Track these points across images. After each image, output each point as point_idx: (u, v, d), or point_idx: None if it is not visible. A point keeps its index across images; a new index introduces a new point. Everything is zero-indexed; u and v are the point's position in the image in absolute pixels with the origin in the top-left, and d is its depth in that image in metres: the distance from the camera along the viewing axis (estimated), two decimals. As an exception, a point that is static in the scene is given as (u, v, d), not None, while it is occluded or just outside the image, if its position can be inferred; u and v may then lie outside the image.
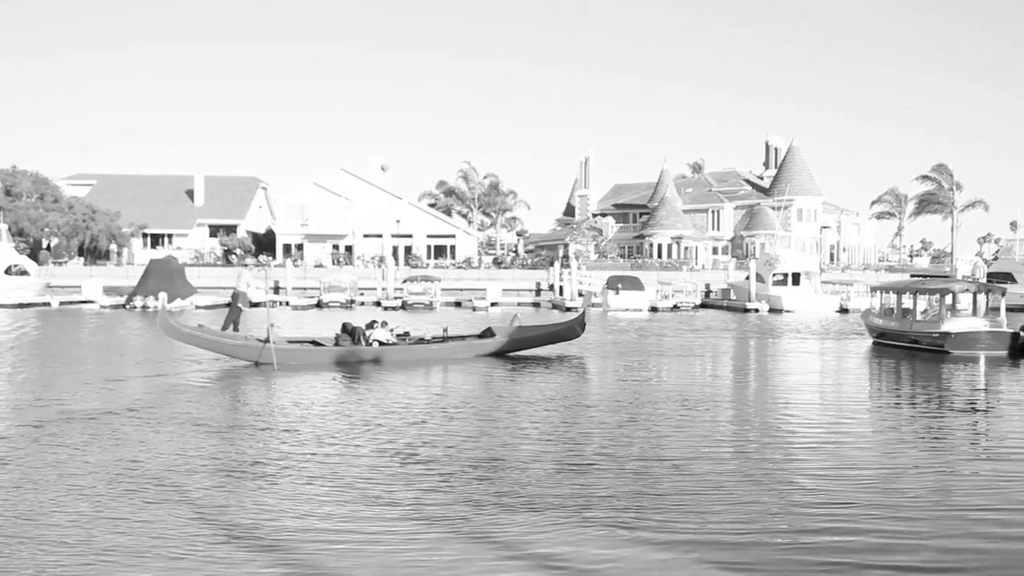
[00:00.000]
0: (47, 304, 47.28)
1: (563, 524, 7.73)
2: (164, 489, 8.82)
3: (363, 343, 20.29)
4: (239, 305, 24.60)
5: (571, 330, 23.17)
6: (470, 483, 9.12)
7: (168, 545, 7.13)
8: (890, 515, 8.06)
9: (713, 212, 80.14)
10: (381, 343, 20.49)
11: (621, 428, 12.28)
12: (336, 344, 20.26)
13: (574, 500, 8.49)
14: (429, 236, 74.00)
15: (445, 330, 22.78)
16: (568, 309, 49.18)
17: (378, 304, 50.71)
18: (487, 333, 22.28)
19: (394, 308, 47.66)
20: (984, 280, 47.69)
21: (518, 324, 22.89)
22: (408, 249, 72.35)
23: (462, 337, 22.89)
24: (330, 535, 7.42)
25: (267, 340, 19.01)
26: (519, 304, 53.76)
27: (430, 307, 48.38)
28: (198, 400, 14.91)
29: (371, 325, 21.13)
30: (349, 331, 20.59)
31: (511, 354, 21.77)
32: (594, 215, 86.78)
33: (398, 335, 21.43)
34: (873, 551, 7.09)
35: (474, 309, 48.31)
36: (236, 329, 23.26)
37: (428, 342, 21.57)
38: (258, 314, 27.80)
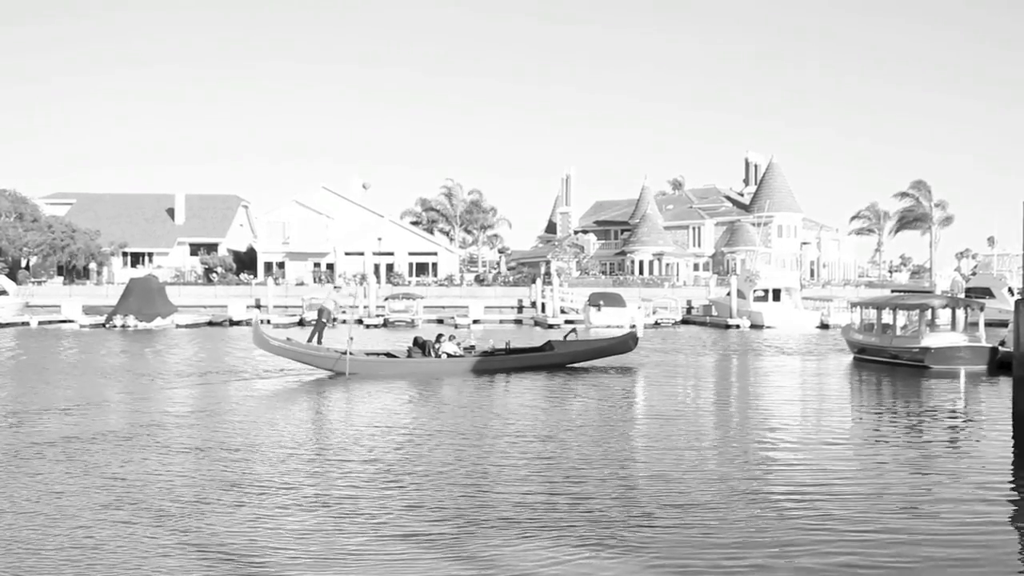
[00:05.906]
0: (26, 324, 46.91)
1: (551, 543, 7.73)
2: (180, 506, 8.77)
3: (433, 356, 21.82)
4: (323, 320, 26.16)
5: (624, 344, 24.94)
6: (465, 500, 9.11)
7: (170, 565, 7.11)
8: (873, 533, 8.11)
9: (694, 229, 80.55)
10: (450, 355, 22.02)
11: (609, 446, 12.31)
12: (409, 356, 21.86)
13: (561, 518, 8.49)
14: (411, 254, 73.90)
15: (508, 344, 24.09)
16: (551, 326, 49.21)
17: (360, 322, 50.60)
18: (547, 347, 23.89)
19: (376, 326, 47.49)
20: (962, 295, 48.11)
21: (574, 338, 25.01)
22: (390, 267, 72.21)
23: (524, 350, 24.27)
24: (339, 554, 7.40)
25: (346, 352, 20.78)
26: (501, 321, 53.74)
27: (412, 324, 48.25)
28: (277, 412, 15.99)
29: (439, 339, 22.49)
30: (420, 344, 22.28)
31: (568, 366, 23.31)
32: (576, 232, 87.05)
33: (465, 348, 22.93)
34: (855, 569, 7.13)
35: (456, 327, 48.22)
36: (320, 342, 24.64)
37: (492, 354, 22.96)
38: (338, 330, 30.03)
